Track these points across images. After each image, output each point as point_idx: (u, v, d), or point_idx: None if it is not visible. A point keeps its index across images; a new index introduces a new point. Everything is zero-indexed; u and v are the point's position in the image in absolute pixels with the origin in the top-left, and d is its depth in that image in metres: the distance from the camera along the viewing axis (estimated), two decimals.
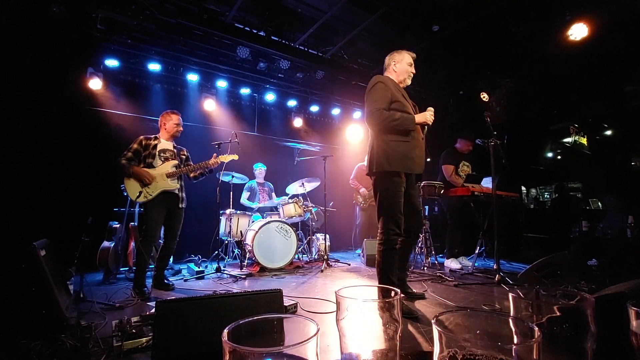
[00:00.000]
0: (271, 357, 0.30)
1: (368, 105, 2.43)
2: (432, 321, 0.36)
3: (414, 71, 2.58)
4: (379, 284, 2.40)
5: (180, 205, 3.14)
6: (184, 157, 3.32)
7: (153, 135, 3.21)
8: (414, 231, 2.56)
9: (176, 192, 3.12)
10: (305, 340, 0.31)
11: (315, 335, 0.33)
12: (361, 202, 5.42)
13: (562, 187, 6.34)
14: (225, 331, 0.33)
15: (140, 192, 2.95)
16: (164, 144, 3.20)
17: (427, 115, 2.39)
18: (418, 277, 3.58)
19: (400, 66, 2.58)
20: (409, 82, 2.59)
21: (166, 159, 3.14)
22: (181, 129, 3.27)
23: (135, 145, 3.08)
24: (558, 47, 4.10)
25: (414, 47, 4.61)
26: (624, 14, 3.75)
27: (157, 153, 3.10)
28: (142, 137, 3.16)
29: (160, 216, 3.03)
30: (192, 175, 3.27)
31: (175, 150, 3.25)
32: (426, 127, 2.51)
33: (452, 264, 4.09)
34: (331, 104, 6.31)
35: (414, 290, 2.73)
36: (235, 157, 3.55)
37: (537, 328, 0.33)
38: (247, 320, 0.36)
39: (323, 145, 6.69)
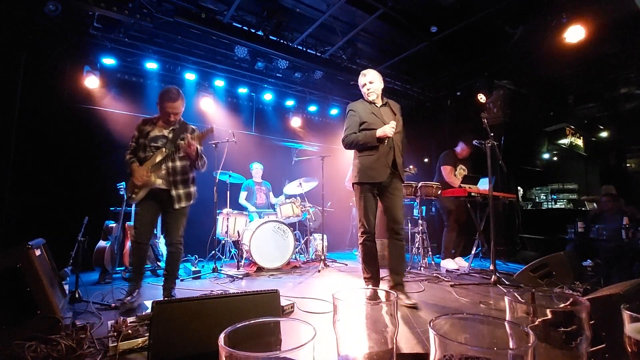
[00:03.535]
0: None
1: (343, 132, 2.76)
2: (429, 325, 0.36)
3: (369, 89, 2.71)
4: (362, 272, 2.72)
5: (175, 206, 2.55)
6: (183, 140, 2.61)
7: (154, 117, 2.67)
8: (393, 229, 2.66)
9: (164, 187, 2.55)
10: (302, 345, 0.31)
11: (312, 339, 0.33)
12: None
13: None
14: (222, 335, 0.33)
15: (133, 191, 2.58)
16: (158, 129, 2.61)
17: (387, 129, 2.53)
18: (415, 277, 3.59)
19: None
20: (372, 98, 2.73)
21: (157, 149, 2.56)
22: (170, 110, 2.54)
23: (136, 133, 2.59)
24: (555, 49, 4.12)
25: (412, 48, 4.65)
26: (620, 16, 3.78)
27: (147, 143, 2.56)
28: (141, 119, 2.63)
29: (150, 215, 2.60)
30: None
31: (171, 135, 2.60)
32: (389, 137, 2.59)
33: (448, 264, 4.10)
34: (329, 104, 6.31)
35: (407, 298, 2.54)
36: (211, 131, 2.70)
37: (532, 332, 0.33)
38: (244, 323, 0.36)
39: (321, 145, 6.69)
